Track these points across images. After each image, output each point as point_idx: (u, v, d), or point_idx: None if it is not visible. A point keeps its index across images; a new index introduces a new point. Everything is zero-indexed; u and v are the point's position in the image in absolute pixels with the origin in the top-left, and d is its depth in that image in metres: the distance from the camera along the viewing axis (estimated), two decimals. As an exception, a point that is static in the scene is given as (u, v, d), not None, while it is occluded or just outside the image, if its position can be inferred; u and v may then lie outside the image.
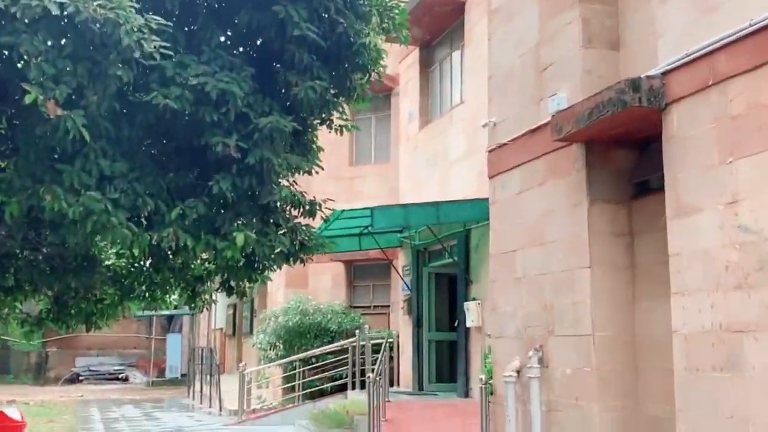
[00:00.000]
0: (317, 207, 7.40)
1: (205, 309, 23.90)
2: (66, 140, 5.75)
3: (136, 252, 7.38)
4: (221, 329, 26.23)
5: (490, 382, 8.66)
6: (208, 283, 8.34)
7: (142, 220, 6.63)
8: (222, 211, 6.72)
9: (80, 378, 32.84)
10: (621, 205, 7.18)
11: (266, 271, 7.70)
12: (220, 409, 18.08)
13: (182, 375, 31.15)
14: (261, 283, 7.88)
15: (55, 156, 6.25)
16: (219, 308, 26.10)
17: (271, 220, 7.08)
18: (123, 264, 8.90)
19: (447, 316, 14.69)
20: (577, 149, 7.15)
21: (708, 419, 5.45)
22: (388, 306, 17.66)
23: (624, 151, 7.14)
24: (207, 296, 8.86)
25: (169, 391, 27.01)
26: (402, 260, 15.58)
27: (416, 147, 15.17)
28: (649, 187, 6.99)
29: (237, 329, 24.32)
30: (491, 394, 8.59)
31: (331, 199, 7.95)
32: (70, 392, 26.03)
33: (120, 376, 33.38)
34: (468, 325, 12.36)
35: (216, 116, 6.29)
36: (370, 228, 11.54)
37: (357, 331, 14.94)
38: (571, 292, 7.20)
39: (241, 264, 7.50)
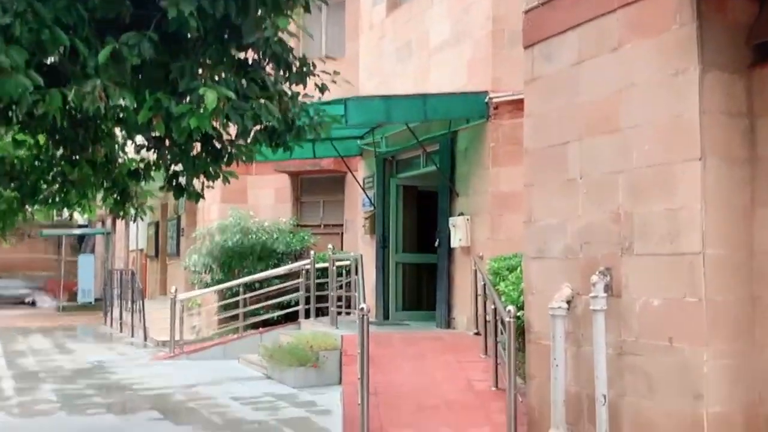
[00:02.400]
0: (310, 69, 5.12)
1: (127, 223, 20.99)
2: None
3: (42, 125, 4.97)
4: (141, 250, 23.61)
5: (519, 314, 6.70)
6: (145, 182, 6.01)
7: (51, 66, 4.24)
8: (180, 56, 4.37)
9: (-20, 303, 29.69)
10: (738, 75, 5.19)
11: (235, 161, 5.43)
12: (145, 340, 15.78)
13: (96, 300, 28.46)
14: (224, 181, 5.62)
15: None
16: (139, 227, 23.41)
17: (252, 79, 4.77)
18: (23, 155, 6.45)
19: (417, 235, 12.70)
20: (684, -7, 5.09)
21: None
22: (341, 225, 15.52)
23: (742, -1, 5.14)
24: (143, 200, 6.53)
25: (82, 317, 24.37)
26: (363, 171, 13.40)
27: (383, 36, 12.81)
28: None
29: (160, 250, 21.78)
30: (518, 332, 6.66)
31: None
32: (-33, 319, 23.11)
33: (26, 301, 30.37)
34: (453, 245, 10.39)
35: None
36: (344, 120, 9.29)
37: (312, 252, 12.82)
38: (665, 195, 5.22)
39: (199, 149, 5.25)
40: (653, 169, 5.32)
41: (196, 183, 5.73)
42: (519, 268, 7.92)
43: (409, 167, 12.40)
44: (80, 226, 35.07)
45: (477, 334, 9.69)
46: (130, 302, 17.56)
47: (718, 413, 4.91)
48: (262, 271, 14.19)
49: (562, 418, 5.86)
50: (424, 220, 12.60)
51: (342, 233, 15.44)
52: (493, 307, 7.81)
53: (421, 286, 12.67)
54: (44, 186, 6.56)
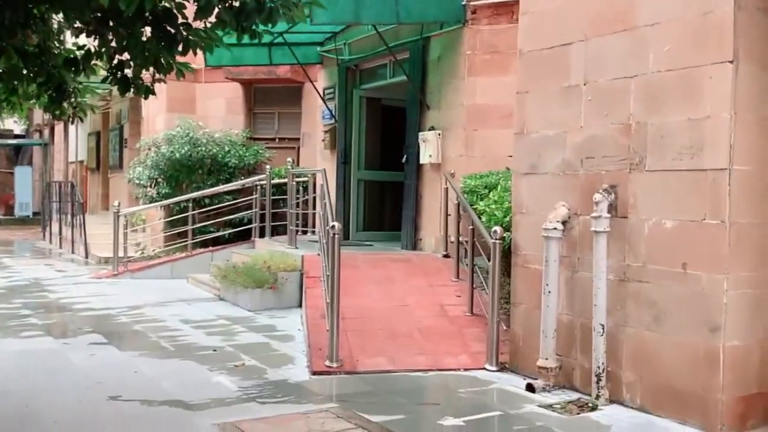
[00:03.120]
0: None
1: (67, 133, 19.76)
2: None
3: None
4: (81, 162, 22.34)
5: (506, 235, 6.12)
6: (84, 74, 5.11)
7: None
8: None
9: None
10: (776, -34, 4.53)
11: (192, 51, 4.58)
12: (86, 256, 14.91)
13: (34, 214, 27.20)
14: (178, 74, 4.77)
15: None
16: (78, 137, 22.13)
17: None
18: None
19: (380, 152, 11.97)
20: None
21: None
22: (298, 139, 14.67)
23: None
24: (83, 98, 5.64)
25: (19, 231, 23.22)
26: (323, 81, 12.50)
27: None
28: None
29: (101, 162, 20.59)
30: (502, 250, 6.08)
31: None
32: None
33: (-42, 214, 28.88)
34: (422, 161, 9.72)
35: None
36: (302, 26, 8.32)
37: (268, 167, 12.02)
38: (687, 103, 4.61)
39: (149, 35, 4.39)
40: (674, 73, 4.68)
41: (146, 76, 4.88)
42: (499, 186, 7.32)
43: (375, 77, 11.57)
44: (16, 136, 33.34)
45: (446, 256, 9.16)
46: (70, 216, 16.56)
47: (735, 347, 4.44)
48: (212, 186, 13.37)
49: (552, 348, 5.37)
50: (388, 135, 11.88)
51: (299, 147, 14.61)
52: (470, 227, 7.22)
53: (384, 205, 12.02)
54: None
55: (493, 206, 6.67)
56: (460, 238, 8.16)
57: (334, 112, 11.96)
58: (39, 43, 5.28)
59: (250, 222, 12.56)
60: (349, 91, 11.68)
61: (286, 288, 8.91)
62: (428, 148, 9.57)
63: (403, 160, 10.27)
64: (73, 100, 5.73)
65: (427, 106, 9.80)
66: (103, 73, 5.10)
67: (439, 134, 9.49)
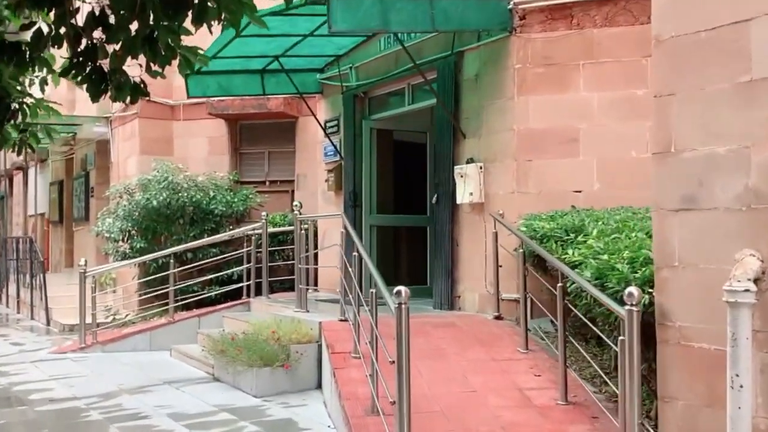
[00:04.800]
0: None
1: (26, 183, 17.56)
2: None
3: None
4: (42, 215, 20.24)
5: (649, 292, 4.34)
6: (33, 69, 3.31)
7: None
8: None
9: None
10: None
11: (208, 21, 2.82)
12: (48, 323, 12.86)
13: (-9, 273, 24.88)
14: (185, 69, 3.01)
15: None
16: (39, 187, 20.08)
17: None
18: None
19: (393, 192, 10.23)
20: None
21: None
22: (292, 181, 12.86)
23: None
24: (34, 116, 3.83)
25: (-27, 294, 20.94)
26: (324, 112, 10.78)
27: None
28: None
29: (65, 215, 18.52)
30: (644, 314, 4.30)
31: None
32: None
33: None
34: (460, 201, 7.98)
35: None
36: (331, 26, 6.57)
37: (265, 215, 10.18)
38: None
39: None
40: None
41: (134, 69, 3.09)
42: (598, 230, 5.58)
43: (388, 105, 9.89)
44: (-29, 189, 31.06)
45: (498, 317, 7.40)
46: (29, 277, 14.49)
47: None
48: (195, 237, 11.49)
49: (746, 470, 3.56)
50: (404, 172, 10.16)
51: (293, 191, 12.80)
52: (560, 285, 5.42)
53: (400, 254, 10.25)
54: None
55: (605, 257, 4.89)
56: (528, 295, 6.40)
57: (339, 148, 10.23)
58: None
59: (240, 279, 10.71)
60: (357, 122, 9.98)
61: (302, 366, 7.02)
62: (468, 184, 7.84)
63: (433, 200, 8.53)
64: (19, 121, 3.91)
65: (462, 134, 8.10)
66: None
67: (480, 168, 7.77)
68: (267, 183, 13.02)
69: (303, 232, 8.52)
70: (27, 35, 3.26)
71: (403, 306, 4.19)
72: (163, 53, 2.83)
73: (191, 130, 13.27)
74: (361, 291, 6.30)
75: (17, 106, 3.75)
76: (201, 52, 3.18)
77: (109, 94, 3.06)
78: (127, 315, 11.47)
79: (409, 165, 10.06)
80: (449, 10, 7.12)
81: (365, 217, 9.81)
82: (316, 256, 10.02)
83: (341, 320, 7.29)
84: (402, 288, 4.22)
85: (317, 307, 8.49)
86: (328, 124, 10.59)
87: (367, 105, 10.11)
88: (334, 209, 10.24)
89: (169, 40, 2.78)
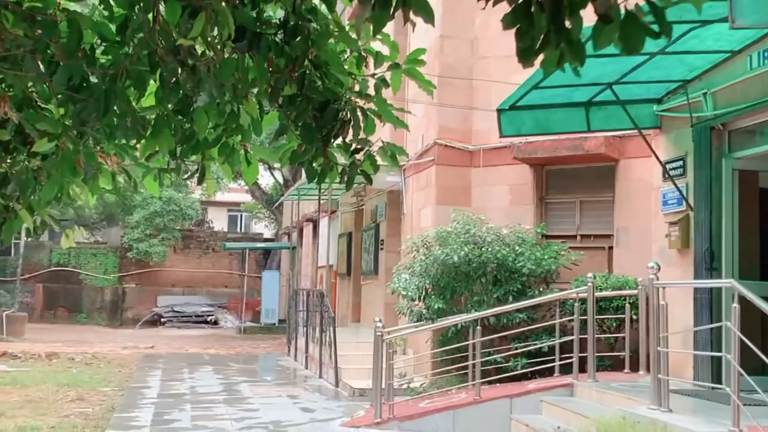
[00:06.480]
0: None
1: (316, 236, 17.08)
2: None
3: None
4: (331, 266, 20.12)
5: None
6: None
7: None
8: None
9: (162, 320, 27.73)
10: None
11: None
12: (337, 384, 11.99)
13: (280, 321, 25.55)
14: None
15: None
16: (329, 239, 19.98)
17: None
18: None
19: (760, 252, 7.91)
20: None
21: None
22: (609, 236, 10.89)
23: None
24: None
25: (264, 341, 21.37)
26: (664, 151, 8.77)
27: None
28: None
29: (353, 267, 18.11)
30: None
31: None
32: (140, 340, 20.69)
33: (209, 319, 28.07)
34: None
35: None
36: (736, 21, 4.69)
37: (591, 276, 8.38)
38: None
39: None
40: None
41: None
42: None
43: (755, 141, 7.67)
44: (265, 240, 32.77)
45: None
46: (318, 331, 13.92)
47: None
48: (498, 299, 9.98)
49: None
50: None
51: (610, 247, 10.83)
52: None
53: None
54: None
55: None
56: None
57: (685, 194, 8.15)
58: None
59: (550, 351, 8.98)
60: (715, 162, 7.85)
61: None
62: None
63: None
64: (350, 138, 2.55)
65: None
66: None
67: None
68: (578, 238, 11.16)
69: (664, 303, 6.53)
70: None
71: None
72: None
73: (489, 178, 11.88)
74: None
75: (348, 115, 2.42)
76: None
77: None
78: (422, 384, 10.16)
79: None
80: None
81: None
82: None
83: (733, 432, 5.20)
84: None
85: (680, 404, 6.41)
86: (669, 166, 8.56)
87: (726, 140, 7.95)
88: (677, 272, 8.15)
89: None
